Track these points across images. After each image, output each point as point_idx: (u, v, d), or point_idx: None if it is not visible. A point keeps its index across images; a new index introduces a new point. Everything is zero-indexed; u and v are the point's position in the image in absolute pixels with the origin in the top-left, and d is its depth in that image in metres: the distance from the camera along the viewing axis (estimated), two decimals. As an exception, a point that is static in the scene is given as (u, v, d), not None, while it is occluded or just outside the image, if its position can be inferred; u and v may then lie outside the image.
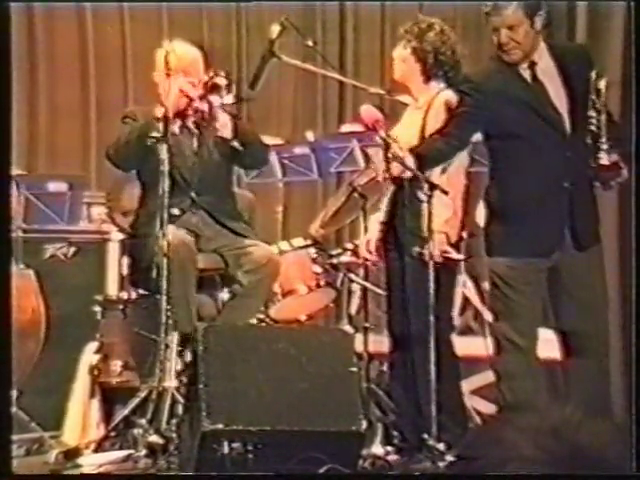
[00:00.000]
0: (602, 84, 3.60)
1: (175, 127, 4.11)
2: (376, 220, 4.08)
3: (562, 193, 3.65)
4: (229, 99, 4.05)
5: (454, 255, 3.87)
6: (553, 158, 3.66)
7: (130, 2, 5.65)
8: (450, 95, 3.88)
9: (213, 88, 4.01)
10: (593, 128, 3.57)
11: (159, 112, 3.97)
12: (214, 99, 4.01)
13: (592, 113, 3.58)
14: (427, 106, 3.91)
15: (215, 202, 4.14)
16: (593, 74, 3.64)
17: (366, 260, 4.13)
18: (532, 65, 3.71)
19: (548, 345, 3.89)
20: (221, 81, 4.02)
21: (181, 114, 4.14)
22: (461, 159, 3.90)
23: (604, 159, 3.56)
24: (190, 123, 4.16)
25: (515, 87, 3.73)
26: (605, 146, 3.56)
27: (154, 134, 3.94)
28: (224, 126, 4.04)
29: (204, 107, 4.02)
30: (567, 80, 3.72)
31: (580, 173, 3.65)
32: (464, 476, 3.29)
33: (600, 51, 5.15)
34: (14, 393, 3.73)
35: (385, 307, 4.14)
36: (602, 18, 5.30)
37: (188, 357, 3.82)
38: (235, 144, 4.06)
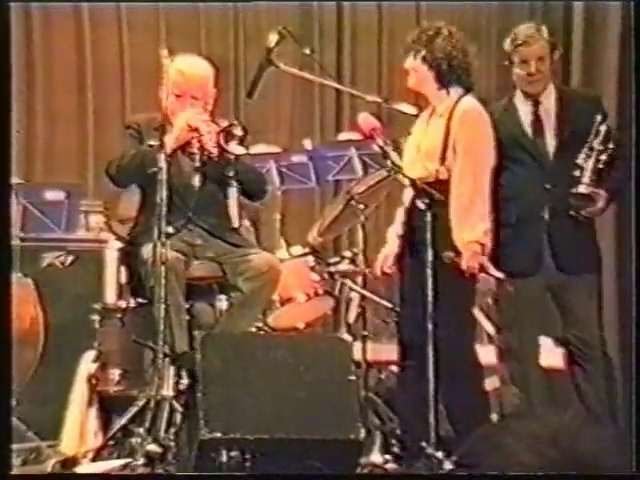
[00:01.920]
0: (603, 128, 3.83)
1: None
2: (394, 233, 4.01)
3: (540, 222, 3.93)
4: (241, 150, 4.01)
5: (493, 271, 3.81)
6: (534, 188, 3.95)
7: (128, 2, 5.64)
8: (471, 103, 3.86)
9: (228, 135, 4.00)
10: (580, 162, 3.80)
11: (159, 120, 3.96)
12: (229, 147, 3.98)
13: (585, 149, 3.82)
14: (449, 114, 3.85)
15: (212, 221, 4.11)
16: (598, 117, 3.87)
17: (384, 273, 4.01)
18: (536, 104, 3.97)
19: (550, 354, 3.98)
20: (237, 131, 4.00)
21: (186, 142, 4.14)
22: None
23: (582, 189, 3.81)
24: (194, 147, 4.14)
25: (512, 119, 3.99)
26: (586, 179, 3.80)
27: (152, 142, 3.94)
28: (228, 165, 4.04)
29: (214, 151, 3.99)
30: (567, 118, 3.96)
31: (560, 204, 3.91)
32: (464, 476, 3.29)
33: (597, 53, 5.22)
34: (14, 396, 3.71)
35: (391, 318, 4.14)
36: (599, 19, 5.35)
37: (185, 366, 3.81)
38: (234, 185, 4.05)
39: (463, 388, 3.74)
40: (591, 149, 3.83)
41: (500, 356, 3.92)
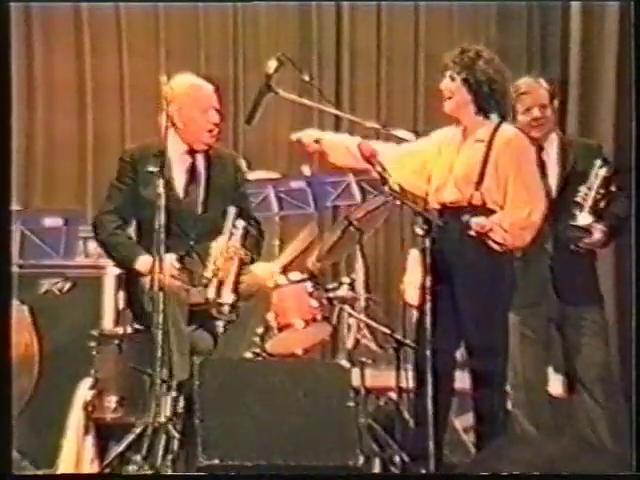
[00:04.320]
0: (603, 171, 3.98)
1: (181, 178, 4.12)
2: (415, 263, 3.88)
3: (543, 253, 4.01)
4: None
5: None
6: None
7: (126, 2, 5.66)
8: (514, 130, 3.86)
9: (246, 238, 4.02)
10: (579, 200, 3.96)
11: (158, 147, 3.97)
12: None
13: (583, 188, 3.97)
14: (489, 140, 3.81)
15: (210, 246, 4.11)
16: (599, 161, 4.01)
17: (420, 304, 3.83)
18: (540, 150, 4.07)
19: (551, 382, 4.11)
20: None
21: (192, 152, 4.15)
22: None
23: (579, 221, 3.97)
24: (201, 167, 4.16)
25: None
26: (584, 213, 3.96)
27: (151, 168, 3.94)
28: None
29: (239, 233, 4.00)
30: (569, 161, 4.11)
31: (562, 238, 4.02)
32: (464, 476, 3.28)
33: (594, 52, 5.33)
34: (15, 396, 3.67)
35: (389, 344, 4.14)
36: (596, 19, 5.46)
37: (183, 392, 3.80)
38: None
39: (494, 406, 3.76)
40: (589, 189, 3.98)
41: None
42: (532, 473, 1.44)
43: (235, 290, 3.95)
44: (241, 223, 4.04)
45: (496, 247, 3.75)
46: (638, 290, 3.79)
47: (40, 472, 4.00)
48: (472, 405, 3.82)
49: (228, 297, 3.94)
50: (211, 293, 3.95)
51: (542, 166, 4.07)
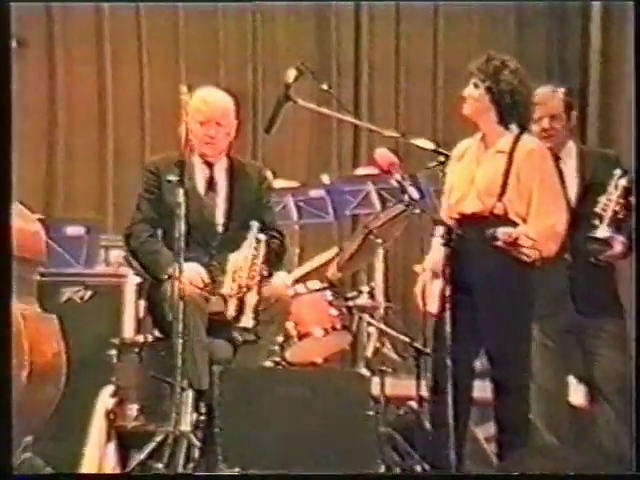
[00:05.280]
0: (623, 182, 3.97)
1: (201, 188, 4.15)
2: (436, 250, 3.82)
3: (562, 264, 3.98)
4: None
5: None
6: None
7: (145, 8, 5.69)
8: (535, 140, 3.86)
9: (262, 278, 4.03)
10: (599, 211, 3.94)
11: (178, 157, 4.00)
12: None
13: (603, 199, 3.96)
14: (510, 151, 3.80)
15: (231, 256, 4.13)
16: (618, 171, 3.99)
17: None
18: (557, 159, 4.04)
19: (573, 392, 4.12)
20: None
21: (208, 164, 4.17)
22: None
23: (599, 233, 3.94)
24: (222, 178, 4.18)
25: None
26: (603, 225, 3.94)
27: (171, 178, 3.97)
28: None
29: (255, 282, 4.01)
30: (588, 171, 4.10)
31: (582, 249, 3.99)
32: (465, 476, 3.28)
33: (614, 51, 5.32)
34: (33, 433, 3.71)
35: (409, 352, 4.13)
36: (616, 18, 5.45)
37: (204, 401, 3.81)
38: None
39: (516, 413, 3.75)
40: (609, 199, 3.97)
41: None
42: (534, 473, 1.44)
43: (256, 315, 3.95)
44: (262, 237, 4.05)
45: (524, 257, 3.74)
46: (638, 293, 3.79)
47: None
48: (494, 415, 3.81)
49: (248, 322, 3.95)
50: (230, 311, 3.97)
51: (560, 176, 4.06)
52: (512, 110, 3.81)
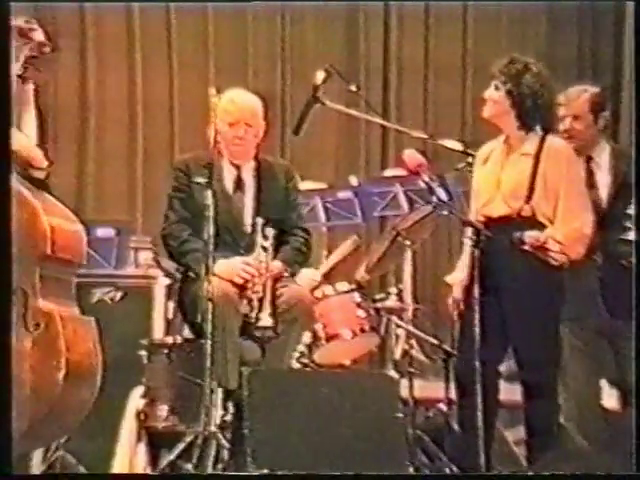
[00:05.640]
0: None
1: (230, 189, 4.18)
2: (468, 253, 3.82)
3: (592, 265, 3.96)
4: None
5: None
6: None
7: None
8: (560, 142, 3.84)
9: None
10: (631, 212, 3.88)
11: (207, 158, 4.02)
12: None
13: (635, 200, 3.86)
14: (535, 153, 3.79)
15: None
16: None
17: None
18: (588, 160, 4.03)
19: (606, 395, 4.09)
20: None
21: (235, 166, 4.20)
22: None
23: (630, 236, 3.89)
24: (251, 180, 4.20)
25: None
26: (635, 228, 3.87)
27: (200, 180, 3.99)
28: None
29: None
30: (620, 171, 4.04)
31: (613, 250, 3.98)
32: (465, 476, 3.27)
33: None
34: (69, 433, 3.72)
35: (437, 355, 4.12)
36: None
37: (232, 401, 3.83)
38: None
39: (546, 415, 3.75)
40: None
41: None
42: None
43: (273, 312, 3.97)
44: (270, 231, 4.05)
45: (552, 261, 3.72)
46: (638, 290, 3.75)
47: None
48: (523, 418, 3.80)
49: (267, 321, 3.97)
50: (250, 311, 4.00)
51: (590, 176, 4.04)
52: (534, 113, 3.80)
